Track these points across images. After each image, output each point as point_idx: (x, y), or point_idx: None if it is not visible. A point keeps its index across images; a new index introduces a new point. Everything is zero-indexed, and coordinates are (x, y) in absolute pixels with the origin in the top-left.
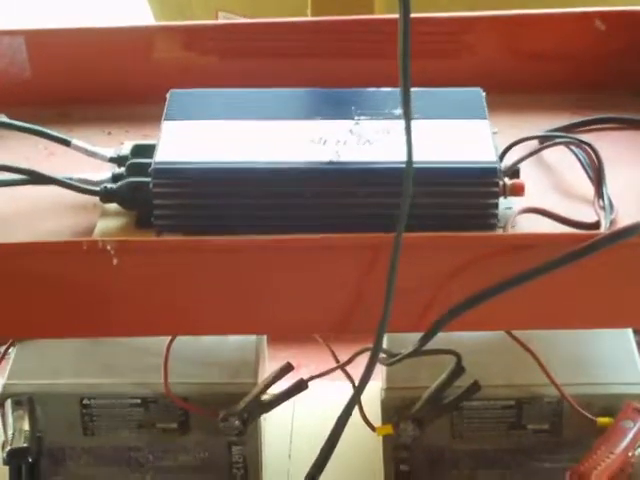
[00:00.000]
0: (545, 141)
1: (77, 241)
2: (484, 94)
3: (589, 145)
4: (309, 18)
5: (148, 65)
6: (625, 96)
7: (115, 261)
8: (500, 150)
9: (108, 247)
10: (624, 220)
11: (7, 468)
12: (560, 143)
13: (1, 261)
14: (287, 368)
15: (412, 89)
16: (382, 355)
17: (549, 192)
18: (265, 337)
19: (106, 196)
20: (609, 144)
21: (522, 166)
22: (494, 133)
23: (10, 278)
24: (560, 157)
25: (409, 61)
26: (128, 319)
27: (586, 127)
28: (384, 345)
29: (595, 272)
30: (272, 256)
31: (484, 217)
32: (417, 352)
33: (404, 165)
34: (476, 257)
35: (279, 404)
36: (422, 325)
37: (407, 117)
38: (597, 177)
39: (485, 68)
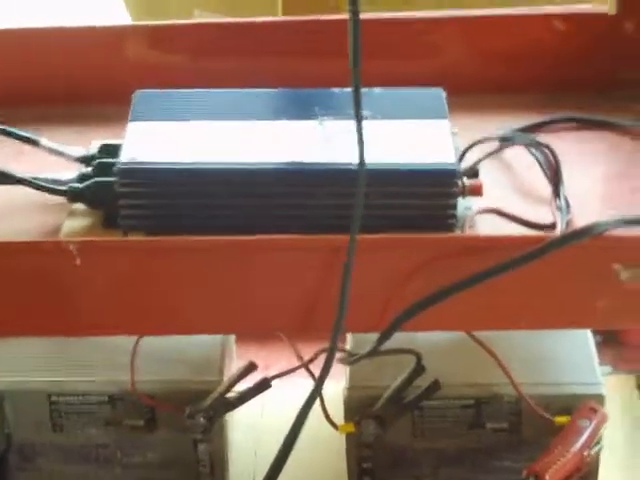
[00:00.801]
0: (505, 141)
1: (40, 241)
2: (445, 94)
3: (547, 146)
4: (277, 18)
5: (119, 64)
6: (587, 96)
7: (78, 261)
8: (460, 150)
9: (71, 247)
10: (580, 220)
11: None
12: (518, 144)
13: None
14: (250, 367)
15: (374, 89)
16: (344, 355)
17: (508, 192)
18: (232, 336)
19: (73, 196)
20: (570, 144)
21: (482, 166)
22: (454, 133)
23: None
24: (520, 157)
25: (360, 61)
26: (93, 319)
27: (548, 127)
28: (348, 346)
29: (548, 273)
30: (232, 256)
31: (443, 218)
32: (376, 351)
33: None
34: (431, 258)
35: (244, 402)
36: (380, 325)
37: (358, 119)
38: (554, 178)
39: (449, 68)
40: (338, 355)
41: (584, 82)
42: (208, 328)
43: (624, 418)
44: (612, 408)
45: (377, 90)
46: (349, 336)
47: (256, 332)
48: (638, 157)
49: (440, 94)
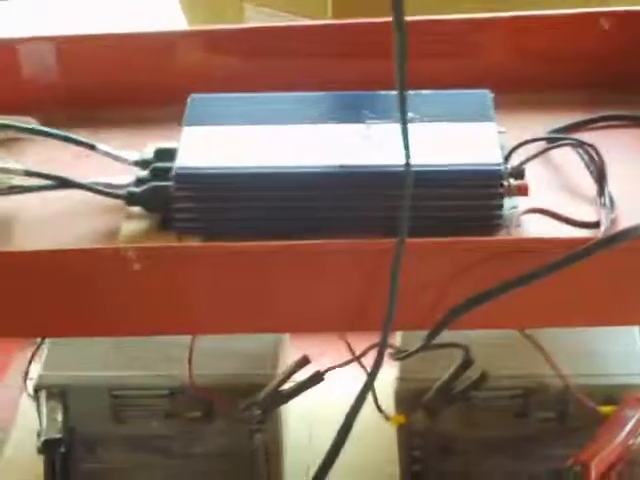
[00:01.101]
0: (550, 142)
1: (100, 248)
2: (492, 95)
3: (591, 146)
4: (326, 21)
5: (172, 68)
6: (631, 94)
7: (136, 266)
8: (507, 150)
9: (129, 253)
10: (625, 218)
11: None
12: (564, 145)
13: (30, 266)
14: (303, 361)
15: (420, 92)
16: (394, 351)
17: (554, 191)
18: None
19: (130, 200)
20: (615, 142)
21: (528, 166)
22: (502, 133)
23: (39, 281)
24: (566, 157)
25: (405, 64)
26: (151, 320)
27: (592, 125)
28: (398, 342)
29: (596, 272)
30: (285, 260)
31: (489, 218)
32: (426, 347)
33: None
34: (477, 261)
35: (297, 395)
36: (428, 323)
37: (403, 121)
38: (599, 177)
39: (493, 68)
40: (389, 351)
41: (629, 80)
42: (261, 328)
43: None
44: None
45: (424, 92)
46: (398, 332)
47: (308, 332)
48: None
49: (486, 95)
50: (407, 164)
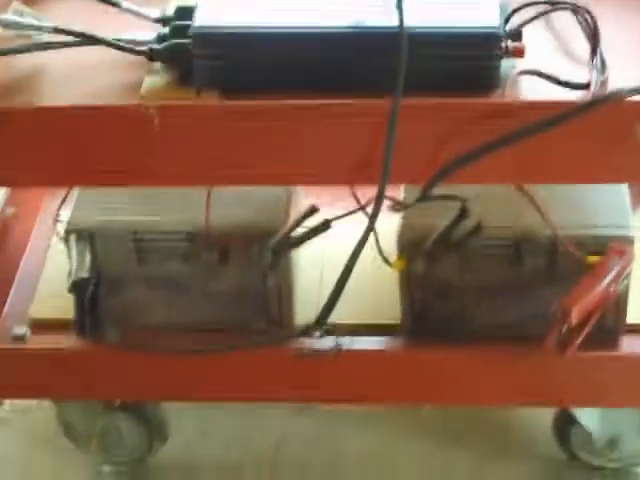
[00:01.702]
0: (549, 4)
1: (124, 105)
2: None
3: (587, 10)
4: None
5: None
6: None
7: (156, 121)
8: (508, 10)
9: (151, 110)
10: (615, 79)
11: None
12: (560, 9)
13: (60, 120)
14: (312, 210)
15: None
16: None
17: (551, 53)
18: None
19: (152, 56)
20: (614, 6)
21: (528, 27)
22: None
23: (68, 134)
24: (565, 19)
25: None
26: (170, 171)
27: None
28: (401, 196)
29: (576, 134)
30: (294, 118)
31: (486, 78)
32: (422, 199)
33: (412, 29)
34: (466, 120)
35: (306, 241)
36: (424, 178)
37: None
38: (592, 40)
39: None
40: (390, 204)
41: None
42: (273, 180)
43: None
44: None
45: None
46: (402, 187)
47: (315, 184)
48: None
49: None
50: (401, 26)
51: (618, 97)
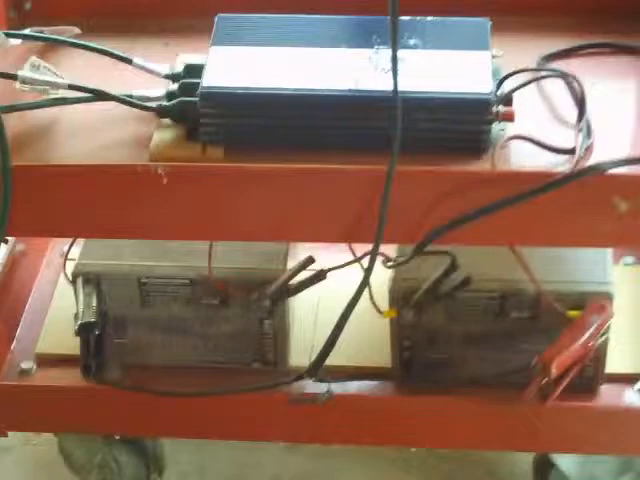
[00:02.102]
0: (539, 71)
1: (135, 165)
2: (490, 24)
3: (574, 77)
4: None
5: None
6: (622, 20)
7: (165, 181)
8: (501, 74)
9: (160, 170)
10: (600, 145)
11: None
12: (550, 76)
13: (73, 177)
14: (309, 260)
15: (426, 19)
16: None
17: (540, 116)
18: None
19: (161, 112)
20: (601, 70)
21: (520, 91)
22: (497, 56)
23: (80, 190)
24: (554, 84)
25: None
26: (175, 226)
27: (583, 51)
28: (394, 253)
29: (562, 201)
30: (294, 179)
31: (477, 141)
32: (412, 258)
33: (408, 94)
34: (457, 186)
35: (303, 289)
36: (415, 238)
37: (394, 48)
38: (579, 105)
39: None
40: (383, 260)
41: (619, 6)
42: (271, 236)
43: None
44: (628, 297)
45: (429, 19)
46: (397, 245)
47: (312, 241)
48: None
49: (485, 24)
50: (395, 91)
51: (598, 170)
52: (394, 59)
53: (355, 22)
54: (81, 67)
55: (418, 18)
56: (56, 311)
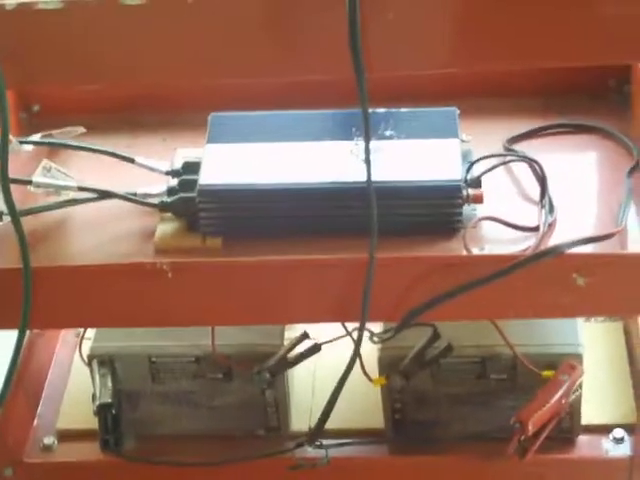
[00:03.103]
0: (503, 156)
1: (141, 262)
2: (457, 112)
3: (535, 161)
4: None
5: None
6: (583, 100)
7: (170, 275)
8: (469, 158)
9: (165, 267)
10: (562, 221)
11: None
12: (514, 160)
13: (88, 275)
14: (304, 335)
15: (400, 110)
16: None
17: (507, 196)
18: None
19: (163, 208)
20: (564, 149)
21: (487, 174)
22: (465, 142)
23: (94, 286)
24: (520, 166)
25: (365, 93)
26: (182, 314)
27: (546, 132)
28: (380, 327)
29: (527, 278)
30: (285, 268)
31: (451, 223)
32: (395, 334)
33: (384, 183)
34: (432, 269)
35: (300, 362)
36: (397, 316)
37: (366, 139)
38: (542, 187)
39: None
40: (369, 336)
41: (581, 87)
42: (267, 320)
43: (612, 360)
44: (601, 351)
45: (402, 110)
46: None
47: (304, 322)
48: (622, 162)
49: (454, 113)
50: (369, 180)
51: (557, 251)
52: (367, 152)
53: (336, 116)
54: (88, 166)
55: (393, 110)
56: (73, 387)
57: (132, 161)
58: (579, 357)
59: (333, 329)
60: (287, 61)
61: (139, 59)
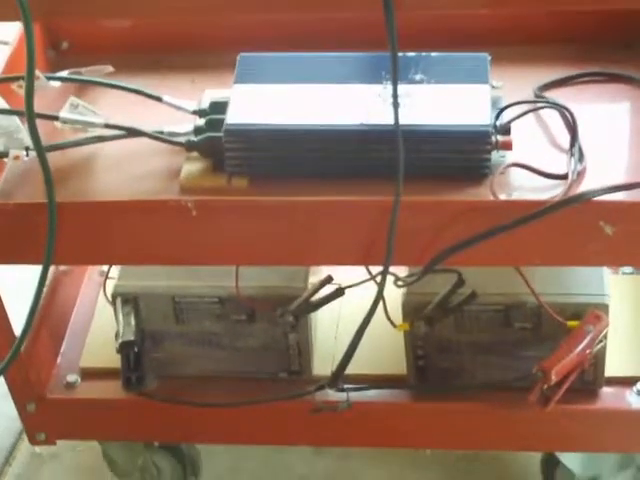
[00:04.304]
0: (534, 103)
1: (166, 199)
2: (489, 58)
3: (566, 108)
4: None
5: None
6: (616, 50)
7: (194, 213)
8: (499, 104)
9: (189, 204)
10: (591, 170)
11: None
12: (545, 107)
13: (113, 212)
14: (328, 279)
15: (430, 54)
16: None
17: (536, 144)
18: None
19: (189, 147)
20: (595, 98)
21: (518, 121)
22: (497, 87)
23: (119, 222)
24: (549, 114)
25: (394, 31)
26: (204, 253)
27: (579, 80)
28: (405, 272)
29: (555, 225)
30: (311, 209)
31: (478, 168)
32: (420, 278)
33: (412, 127)
34: (457, 213)
35: (323, 305)
36: (422, 261)
37: (394, 79)
38: (572, 134)
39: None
40: (394, 279)
41: (615, 35)
42: (293, 261)
43: (638, 313)
44: (627, 303)
45: (432, 55)
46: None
47: (329, 264)
48: None
49: (485, 59)
50: (396, 123)
51: (584, 198)
52: (395, 91)
53: (366, 59)
54: (115, 104)
55: (423, 54)
56: (97, 326)
57: (159, 99)
58: (605, 307)
59: (357, 275)
60: None
61: None
